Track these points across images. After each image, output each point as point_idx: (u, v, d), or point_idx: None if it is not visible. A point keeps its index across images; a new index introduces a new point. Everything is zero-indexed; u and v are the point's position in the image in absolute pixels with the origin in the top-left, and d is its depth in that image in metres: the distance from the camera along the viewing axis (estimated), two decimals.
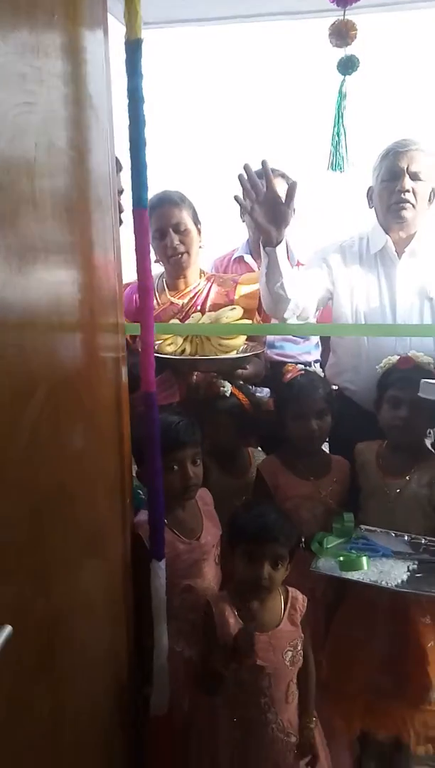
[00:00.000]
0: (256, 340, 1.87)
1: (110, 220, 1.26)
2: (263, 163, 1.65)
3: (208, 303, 1.93)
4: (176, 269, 1.96)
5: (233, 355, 1.75)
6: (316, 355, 2.23)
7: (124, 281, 1.37)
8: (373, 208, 1.95)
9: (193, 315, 1.86)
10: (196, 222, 1.96)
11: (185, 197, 1.95)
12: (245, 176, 1.66)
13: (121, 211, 1.42)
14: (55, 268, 1.00)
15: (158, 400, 1.33)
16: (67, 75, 1.04)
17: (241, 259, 2.28)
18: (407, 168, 1.81)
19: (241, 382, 1.86)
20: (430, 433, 1.83)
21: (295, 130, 1.75)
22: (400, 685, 1.63)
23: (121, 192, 1.46)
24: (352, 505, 1.77)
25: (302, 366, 1.83)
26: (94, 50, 1.17)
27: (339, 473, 1.80)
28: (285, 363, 1.98)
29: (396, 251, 1.90)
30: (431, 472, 1.71)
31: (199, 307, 1.93)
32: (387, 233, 1.90)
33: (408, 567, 1.55)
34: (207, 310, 1.89)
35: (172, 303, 1.95)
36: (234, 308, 1.79)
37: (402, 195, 1.82)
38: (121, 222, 1.38)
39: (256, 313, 1.93)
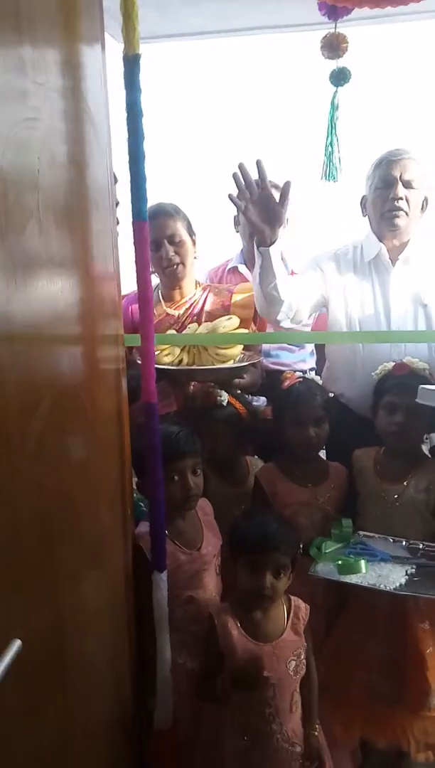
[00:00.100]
0: (253, 349, 1.89)
1: (109, 232, 1.27)
2: (258, 162, 1.66)
3: (204, 313, 1.94)
4: (172, 280, 1.97)
5: (230, 364, 1.76)
6: (312, 363, 2.25)
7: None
8: (366, 217, 1.98)
9: (189, 326, 1.87)
10: (191, 233, 1.97)
11: (179, 209, 1.96)
12: (240, 175, 1.67)
13: (116, 224, 1.42)
14: (59, 280, 1.00)
15: None
16: (67, 90, 1.05)
17: (235, 269, 2.29)
18: (400, 176, 1.83)
19: (238, 391, 1.87)
20: (427, 438, 1.85)
21: (288, 141, 1.78)
22: (400, 690, 1.64)
23: (116, 205, 1.47)
24: (350, 511, 1.77)
25: (300, 374, 1.85)
26: (93, 65, 1.18)
27: (336, 479, 1.81)
28: (281, 372, 1.99)
29: (390, 259, 1.93)
30: (428, 478, 1.72)
31: (195, 318, 1.94)
32: (381, 241, 1.92)
33: (406, 571, 1.56)
34: (203, 320, 1.90)
35: (168, 314, 1.96)
36: (230, 318, 1.80)
37: (395, 203, 1.84)
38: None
39: (252, 322, 1.94)
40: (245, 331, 1.85)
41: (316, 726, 1.45)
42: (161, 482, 1.32)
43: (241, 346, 1.80)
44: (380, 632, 1.66)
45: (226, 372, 1.77)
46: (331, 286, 1.96)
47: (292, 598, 1.46)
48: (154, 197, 1.90)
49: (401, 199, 1.84)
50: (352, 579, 1.55)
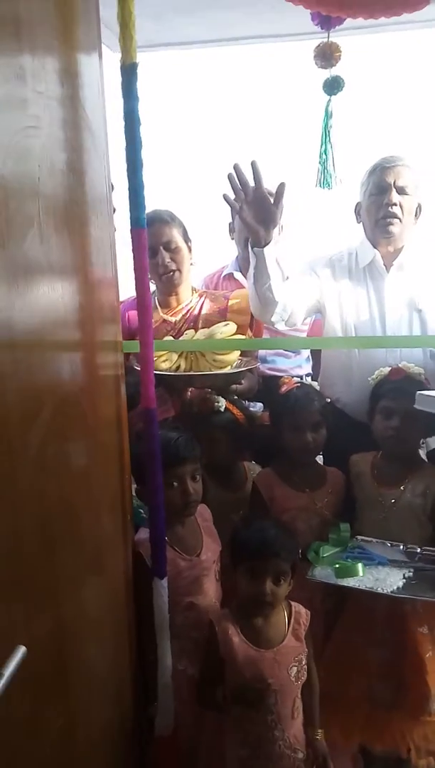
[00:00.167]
0: (250, 355, 1.89)
1: (108, 239, 1.28)
2: (253, 163, 1.68)
3: (201, 319, 1.95)
4: (168, 287, 1.98)
5: (228, 370, 1.77)
6: (308, 368, 2.26)
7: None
8: (361, 223, 1.99)
9: (186, 332, 1.88)
10: (187, 240, 1.98)
11: (175, 216, 1.97)
12: (235, 176, 1.69)
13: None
14: (59, 287, 1.01)
15: None
16: (65, 98, 1.06)
17: (230, 275, 2.30)
18: (394, 182, 1.85)
19: (236, 397, 1.87)
20: (423, 443, 1.86)
21: (283, 149, 1.80)
22: (399, 695, 1.64)
23: (113, 212, 1.48)
24: (348, 516, 1.78)
25: (298, 379, 1.85)
26: (90, 73, 1.19)
27: (334, 484, 1.82)
28: (277, 377, 1.99)
29: (384, 265, 1.94)
30: (425, 482, 1.73)
31: (191, 324, 1.95)
32: (375, 247, 1.94)
33: (404, 575, 1.57)
34: (200, 326, 1.91)
35: (164, 320, 1.97)
36: (227, 324, 1.81)
37: (389, 208, 1.86)
38: None
39: (248, 328, 1.95)
40: (242, 337, 1.85)
41: (319, 731, 1.45)
42: (161, 488, 1.32)
43: (239, 352, 1.81)
44: (379, 637, 1.66)
45: (223, 377, 1.77)
46: (327, 292, 1.98)
47: (293, 603, 1.46)
48: (149, 204, 1.92)
49: (395, 205, 1.86)
50: (350, 582, 1.55)
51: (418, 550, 1.66)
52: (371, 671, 1.66)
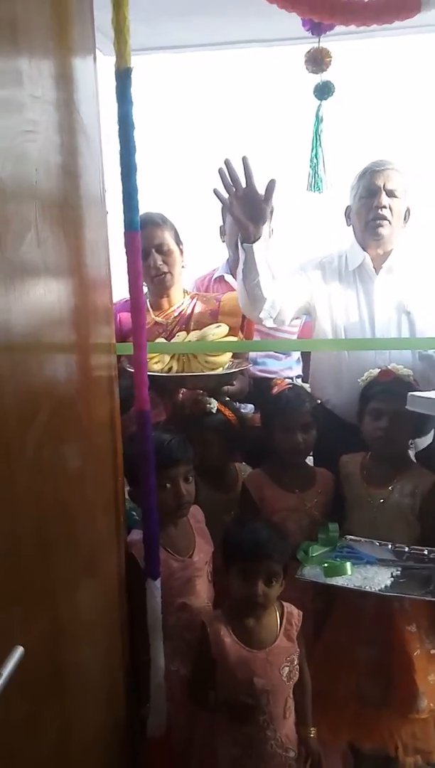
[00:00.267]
0: (241, 356, 1.91)
1: (102, 241, 1.28)
2: (244, 159, 1.68)
3: (193, 321, 1.96)
4: (160, 289, 1.99)
5: (220, 371, 1.78)
6: (298, 370, 2.27)
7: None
8: (350, 226, 2.01)
9: (178, 334, 1.88)
10: (178, 242, 1.99)
11: (167, 218, 1.98)
12: (226, 171, 1.69)
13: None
14: (55, 289, 1.01)
15: None
16: (61, 102, 1.07)
17: (221, 278, 2.31)
18: (384, 186, 1.87)
19: (227, 399, 1.88)
20: (412, 443, 1.88)
21: (274, 152, 1.81)
22: (387, 694, 1.65)
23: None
24: (337, 516, 1.80)
25: (289, 380, 1.87)
26: (85, 77, 1.20)
27: (323, 485, 1.83)
28: (268, 379, 2.01)
29: (374, 267, 1.96)
30: (414, 482, 1.75)
31: (183, 326, 1.96)
32: (365, 250, 1.96)
33: (392, 573, 1.59)
34: (191, 328, 1.91)
35: (156, 322, 1.97)
36: (219, 326, 1.82)
37: (379, 211, 1.88)
38: None
39: (240, 330, 1.96)
40: (234, 339, 1.87)
41: (312, 729, 1.46)
42: (154, 490, 1.32)
43: (230, 354, 1.82)
44: (367, 636, 1.67)
45: (215, 379, 1.79)
46: (317, 294, 1.99)
47: (285, 604, 1.47)
48: (141, 207, 1.93)
49: (385, 207, 1.88)
50: (339, 581, 1.57)
51: (406, 549, 1.68)
52: (360, 670, 1.67)
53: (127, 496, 1.48)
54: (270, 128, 2.40)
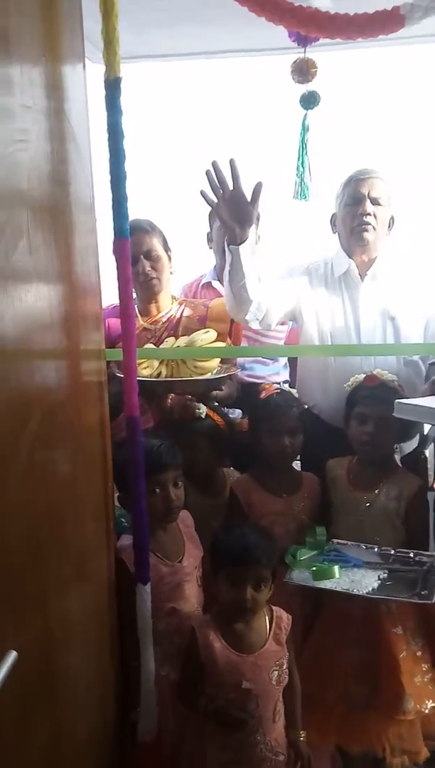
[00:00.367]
0: (229, 361, 1.92)
1: (92, 248, 1.29)
2: (231, 162, 1.70)
3: (181, 327, 1.97)
4: (148, 295, 2.00)
5: (208, 376, 1.79)
6: (285, 375, 2.29)
7: None
8: (336, 234, 2.04)
9: (166, 339, 1.90)
10: (167, 249, 2.00)
11: (155, 225, 1.99)
12: (213, 173, 1.71)
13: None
14: (46, 296, 1.02)
15: None
16: (51, 112, 1.08)
17: (209, 284, 2.33)
18: (368, 193, 1.90)
19: (216, 404, 1.90)
20: (396, 448, 1.91)
21: (261, 161, 1.83)
22: (375, 695, 1.67)
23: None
24: (324, 520, 1.81)
25: (277, 385, 1.89)
26: (75, 86, 1.21)
27: (309, 489, 1.85)
28: (256, 384, 2.03)
29: (359, 274, 1.99)
30: (399, 486, 1.78)
31: (171, 332, 1.97)
32: (350, 257, 1.99)
33: (378, 576, 1.61)
34: (180, 334, 1.93)
35: (145, 328, 1.98)
36: (207, 331, 1.83)
37: (364, 218, 1.91)
38: None
39: (228, 335, 1.98)
40: (222, 344, 1.88)
41: (302, 732, 1.47)
42: (144, 495, 1.33)
43: (219, 359, 1.84)
44: (355, 638, 1.69)
45: (204, 384, 1.80)
46: (304, 300, 2.02)
47: (274, 608, 1.47)
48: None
49: (369, 214, 1.91)
50: (327, 584, 1.59)
51: (392, 552, 1.70)
52: (347, 672, 1.68)
53: (116, 503, 1.49)
54: (257, 137, 2.43)
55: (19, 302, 0.90)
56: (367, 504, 1.77)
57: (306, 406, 1.95)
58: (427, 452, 2.11)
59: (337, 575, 1.59)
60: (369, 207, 1.91)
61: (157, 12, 1.72)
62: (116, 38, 1.18)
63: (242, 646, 1.40)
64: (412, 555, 1.69)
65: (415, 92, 2.72)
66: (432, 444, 2.10)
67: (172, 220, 2.19)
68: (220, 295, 2.15)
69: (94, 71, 1.29)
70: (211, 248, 2.33)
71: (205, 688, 1.39)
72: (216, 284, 2.29)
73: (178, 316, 2.01)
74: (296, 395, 1.89)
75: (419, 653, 1.70)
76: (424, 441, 2.09)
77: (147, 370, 1.75)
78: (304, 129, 1.84)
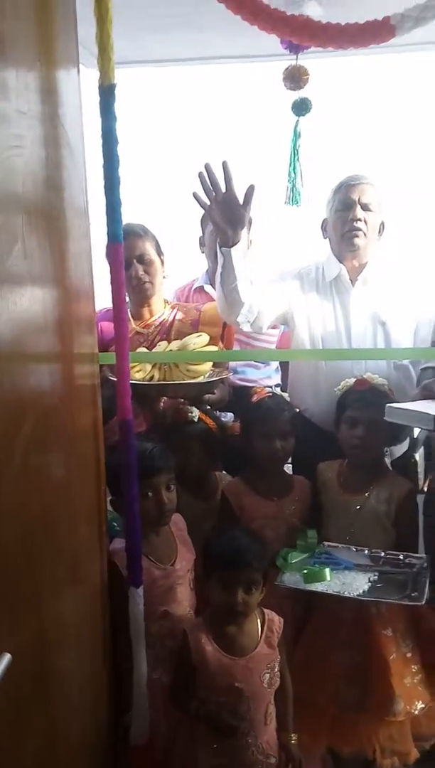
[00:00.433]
0: (221, 365, 1.93)
1: (86, 252, 1.30)
2: (224, 164, 1.71)
3: (173, 331, 1.98)
4: (141, 299, 2.01)
5: (201, 380, 1.80)
6: (277, 379, 2.31)
7: None
8: (327, 239, 2.06)
9: (159, 343, 1.90)
10: (159, 253, 2.01)
11: (148, 229, 2.00)
12: (205, 175, 1.72)
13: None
14: (41, 300, 1.03)
15: None
16: (46, 117, 1.09)
17: (201, 288, 2.34)
18: (359, 199, 1.93)
19: (208, 407, 1.91)
20: (387, 451, 1.93)
21: (253, 167, 1.85)
22: (365, 697, 1.67)
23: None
24: (315, 523, 1.83)
25: (269, 389, 1.90)
26: (69, 92, 1.21)
27: (300, 492, 1.87)
28: (247, 388, 2.04)
29: (350, 279, 2.01)
30: (389, 489, 1.80)
31: (164, 336, 1.98)
32: (341, 262, 2.01)
33: (369, 578, 1.62)
34: (172, 337, 1.94)
35: (137, 332, 1.99)
36: (200, 335, 1.84)
37: (354, 223, 1.93)
38: None
39: (220, 339, 1.99)
40: (215, 348, 1.89)
41: (293, 735, 1.48)
42: (137, 498, 1.34)
43: (211, 363, 1.85)
44: (345, 641, 1.70)
45: (197, 387, 1.81)
46: (295, 304, 2.03)
47: (266, 611, 1.48)
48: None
49: (360, 220, 1.93)
50: (318, 587, 1.60)
51: (383, 554, 1.72)
52: (338, 675, 1.69)
53: (109, 508, 1.49)
54: (249, 142, 2.44)
55: (14, 306, 0.90)
56: (358, 507, 1.79)
57: (297, 410, 1.97)
58: (417, 456, 2.14)
59: (328, 578, 1.61)
60: (359, 212, 1.93)
61: (151, 18, 1.73)
62: (111, 45, 1.18)
63: (234, 649, 1.41)
64: (401, 557, 1.71)
65: (406, 99, 2.76)
66: (422, 447, 2.12)
67: (165, 224, 2.20)
68: (213, 299, 2.16)
69: (87, 75, 1.31)
70: (203, 252, 2.34)
71: (197, 691, 1.40)
72: (208, 288, 2.30)
73: (170, 319, 2.02)
74: (288, 399, 1.90)
75: (409, 655, 1.71)
76: (414, 445, 2.11)
77: (140, 373, 1.76)
78: (296, 135, 1.86)
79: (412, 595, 1.56)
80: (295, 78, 1.82)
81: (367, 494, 1.79)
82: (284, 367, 2.28)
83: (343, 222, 1.96)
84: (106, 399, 1.44)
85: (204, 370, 1.80)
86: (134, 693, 1.38)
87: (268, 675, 1.42)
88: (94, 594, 1.35)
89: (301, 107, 1.84)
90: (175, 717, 1.45)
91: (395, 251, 2.13)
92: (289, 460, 1.97)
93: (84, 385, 1.29)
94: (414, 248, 2.66)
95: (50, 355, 1.08)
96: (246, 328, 1.95)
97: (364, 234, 1.95)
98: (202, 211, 2.14)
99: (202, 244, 2.33)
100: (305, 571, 1.63)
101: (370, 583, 1.61)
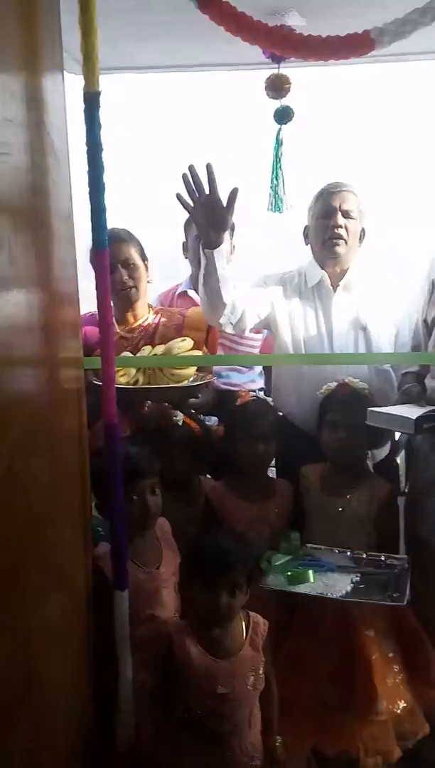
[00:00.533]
0: (205, 369, 1.95)
1: (71, 257, 1.31)
2: (208, 166, 1.73)
3: (157, 335, 1.99)
4: (125, 303, 2.01)
5: (185, 384, 1.82)
6: (261, 383, 2.33)
7: None
8: (309, 245, 2.09)
9: (143, 348, 1.91)
10: (144, 258, 2.02)
11: (132, 234, 2.01)
12: (189, 177, 1.74)
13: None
14: (26, 304, 1.03)
15: None
16: (32, 124, 1.10)
17: (184, 293, 2.36)
18: (340, 206, 1.96)
19: (192, 411, 1.92)
20: (369, 455, 1.96)
21: (236, 174, 1.87)
22: (349, 698, 1.69)
23: None
24: (298, 525, 1.85)
25: (253, 393, 1.92)
26: (54, 99, 1.23)
27: (282, 495, 1.89)
28: (231, 392, 2.06)
29: (331, 285, 2.04)
30: (370, 491, 1.83)
31: (148, 340, 1.99)
32: (322, 268, 2.04)
33: (351, 579, 1.65)
34: (156, 342, 1.94)
35: (122, 336, 2.00)
36: (184, 339, 1.86)
37: (335, 230, 1.96)
38: None
39: (204, 344, 2.01)
40: (199, 352, 1.91)
41: (278, 737, 1.49)
42: (122, 502, 1.34)
43: (195, 367, 1.86)
44: (328, 642, 1.72)
45: (181, 391, 1.82)
46: (278, 309, 2.06)
47: (251, 614, 1.48)
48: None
49: (341, 227, 1.96)
50: (301, 589, 1.62)
51: (364, 555, 1.75)
52: (322, 675, 1.71)
53: (95, 514, 1.49)
54: (232, 150, 2.47)
55: (0, 311, 0.91)
56: (340, 509, 1.82)
57: (280, 414, 1.99)
58: (399, 459, 2.17)
59: (311, 579, 1.63)
60: (340, 220, 1.96)
61: (133, 25, 1.74)
62: (96, 54, 1.20)
63: (219, 652, 1.41)
64: (383, 558, 1.73)
65: (387, 108, 2.81)
66: (403, 451, 2.15)
67: (149, 229, 2.21)
68: (196, 304, 2.18)
69: (71, 81, 1.32)
70: (186, 258, 2.35)
71: (181, 694, 1.40)
72: (192, 293, 2.32)
73: (154, 324, 2.03)
74: (271, 403, 1.92)
75: (391, 655, 1.74)
76: (396, 448, 2.14)
77: (124, 377, 1.77)
78: (278, 143, 1.88)
79: (394, 595, 1.59)
80: (277, 87, 1.84)
81: (348, 497, 1.82)
82: (268, 371, 2.30)
83: (325, 229, 1.98)
84: (91, 403, 1.45)
85: (188, 375, 1.82)
86: (120, 697, 1.38)
87: (252, 677, 1.42)
88: (79, 598, 1.35)
89: (283, 116, 1.86)
90: (160, 720, 1.45)
91: (376, 257, 2.16)
92: (273, 464, 1.99)
93: (69, 389, 1.30)
94: (394, 254, 2.70)
95: (35, 359, 1.09)
96: (229, 329, 1.97)
97: (345, 241, 1.98)
98: (186, 217, 2.17)
99: (185, 249, 2.35)
100: (289, 573, 1.64)
101: (352, 584, 1.63)
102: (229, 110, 2.67)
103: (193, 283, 2.32)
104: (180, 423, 1.81)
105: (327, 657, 1.72)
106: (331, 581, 1.64)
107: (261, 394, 2.01)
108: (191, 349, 1.86)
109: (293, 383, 2.04)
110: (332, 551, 1.76)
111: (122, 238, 1.96)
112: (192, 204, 1.77)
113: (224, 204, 1.75)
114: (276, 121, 1.87)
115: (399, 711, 1.70)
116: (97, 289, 1.28)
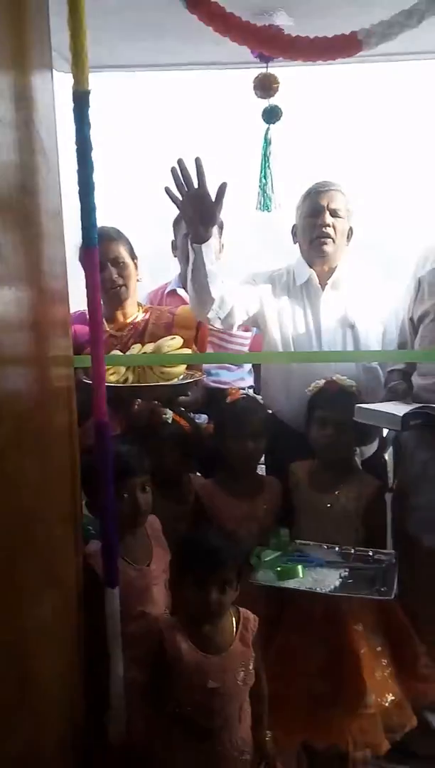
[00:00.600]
0: (195, 367, 1.95)
1: (60, 255, 1.31)
2: (197, 160, 1.74)
3: (147, 334, 1.99)
4: (115, 302, 2.02)
5: (175, 382, 1.82)
6: (250, 381, 2.34)
7: None
8: (297, 244, 2.10)
9: (132, 346, 1.92)
10: (133, 256, 2.03)
11: (121, 233, 2.02)
12: (178, 171, 1.74)
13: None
14: (16, 303, 1.04)
15: None
16: (21, 122, 1.10)
17: (174, 292, 2.36)
18: (327, 205, 1.97)
19: (182, 409, 1.93)
20: (356, 451, 1.98)
21: (225, 173, 1.88)
22: (338, 691, 1.71)
23: None
24: (287, 521, 1.86)
25: (243, 391, 1.93)
26: (43, 97, 1.23)
27: (271, 492, 1.90)
28: (221, 389, 2.07)
29: (319, 283, 2.06)
30: (358, 488, 1.85)
31: (138, 338, 1.99)
32: (311, 267, 2.05)
33: (340, 574, 1.67)
34: (146, 340, 1.95)
35: (111, 335, 2.00)
36: (174, 338, 1.86)
37: (323, 229, 1.98)
38: None
39: (193, 342, 2.02)
40: (188, 351, 1.92)
41: (267, 732, 1.50)
42: (113, 499, 1.35)
43: (185, 365, 1.87)
44: (317, 637, 1.73)
45: (171, 389, 1.83)
46: (267, 307, 2.07)
47: (242, 610, 1.49)
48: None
49: (329, 226, 1.98)
50: (291, 584, 1.64)
51: (352, 551, 1.76)
52: (311, 670, 1.72)
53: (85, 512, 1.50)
54: (221, 149, 2.47)
55: None
56: (328, 505, 1.83)
57: (269, 411, 2.00)
58: (387, 456, 2.20)
59: (300, 575, 1.65)
60: (328, 219, 1.97)
61: (121, 23, 1.74)
62: (85, 53, 1.20)
63: (209, 647, 1.42)
64: (371, 554, 1.75)
65: (375, 108, 2.83)
66: (390, 447, 2.18)
67: (138, 228, 2.21)
68: (186, 303, 2.19)
69: (59, 79, 1.32)
70: (175, 256, 2.36)
71: (172, 690, 1.41)
72: (181, 291, 2.33)
73: (144, 322, 2.04)
74: (261, 400, 1.94)
75: (379, 649, 1.76)
76: (384, 445, 2.17)
77: (114, 376, 1.77)
78: (267, 142, 1.89)
79: (382, 590, 1.61)
80: (266, 86, 1.85)
81: (337, 493, 1.84)
82: (257, 368, 2.32)
83: (312, 228, 2.00)
84: (80, 401, 1.45)
85: (178, 373, 1.83)
86: (111, 694, 1.39)
87: (242, 672, 1.43)
88: (70, 596, 1.36)
89: (271, 115, 1.87)
90: (151, 716, 1.46)
91: (363, 256, 2.18)
92: (262, 461, 2.01)
93: (59, 388, 1.30)
94: (382, 253, 2.72)
95: (25, 357, 1.09)
96: (217, 324, 1.97)
97: (333, 240, 2.00)
98: (175, 216, 2.18)
99: (174, 247, 2.35)
100: (278, 569, 1.66)
101: (341, 579, 1.65)
102: (218, 109, 2.68)
103: (183, 281, 2.32)
104: (170, 421, 1.82)
105: (316, 651, 1.73)
106: (320, 576, 1.66)
107: (250, 391, 2.02)
108: (181, 347, 1.87)
109: (282, 381, 2.05)
110: (321, 547, 1.78)
111: (112, 236, 1.97)
112: (181, 198, 1.77)
113: (213, 198, 1.76)
114: (264, 120, 1.88)
115: (387, 704, 1.72)
116: (87, 287, 1.28)
